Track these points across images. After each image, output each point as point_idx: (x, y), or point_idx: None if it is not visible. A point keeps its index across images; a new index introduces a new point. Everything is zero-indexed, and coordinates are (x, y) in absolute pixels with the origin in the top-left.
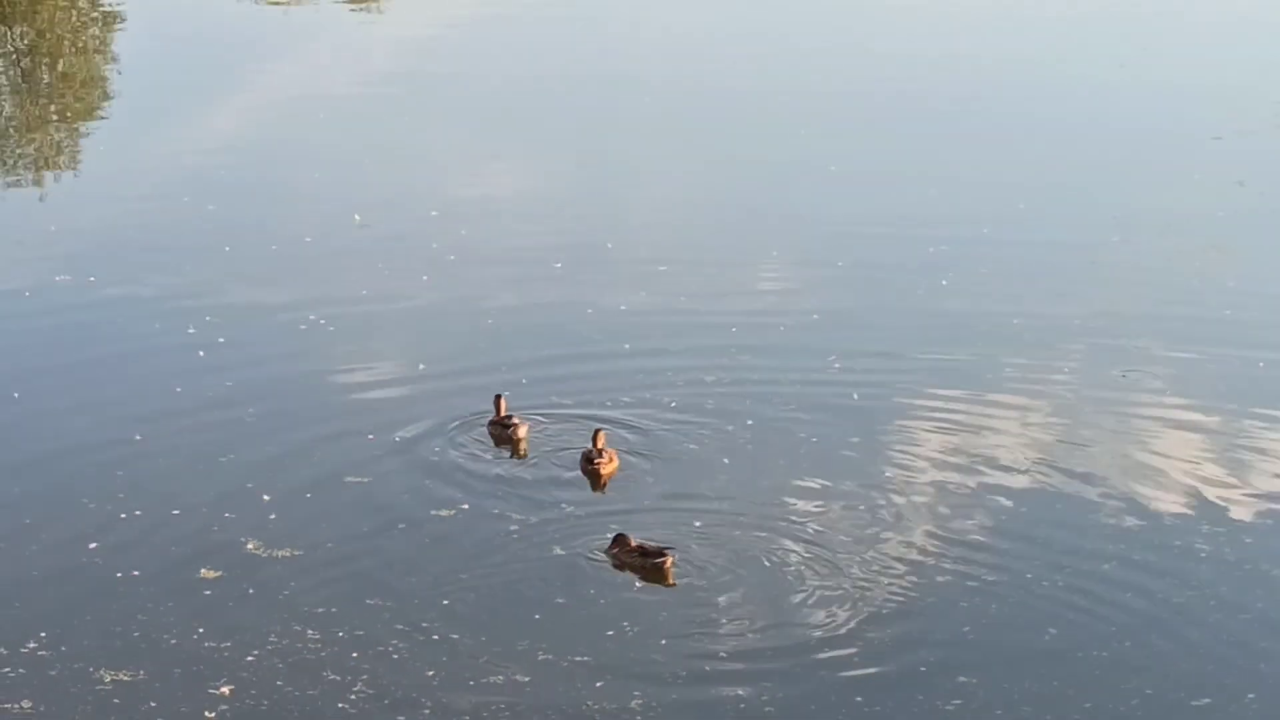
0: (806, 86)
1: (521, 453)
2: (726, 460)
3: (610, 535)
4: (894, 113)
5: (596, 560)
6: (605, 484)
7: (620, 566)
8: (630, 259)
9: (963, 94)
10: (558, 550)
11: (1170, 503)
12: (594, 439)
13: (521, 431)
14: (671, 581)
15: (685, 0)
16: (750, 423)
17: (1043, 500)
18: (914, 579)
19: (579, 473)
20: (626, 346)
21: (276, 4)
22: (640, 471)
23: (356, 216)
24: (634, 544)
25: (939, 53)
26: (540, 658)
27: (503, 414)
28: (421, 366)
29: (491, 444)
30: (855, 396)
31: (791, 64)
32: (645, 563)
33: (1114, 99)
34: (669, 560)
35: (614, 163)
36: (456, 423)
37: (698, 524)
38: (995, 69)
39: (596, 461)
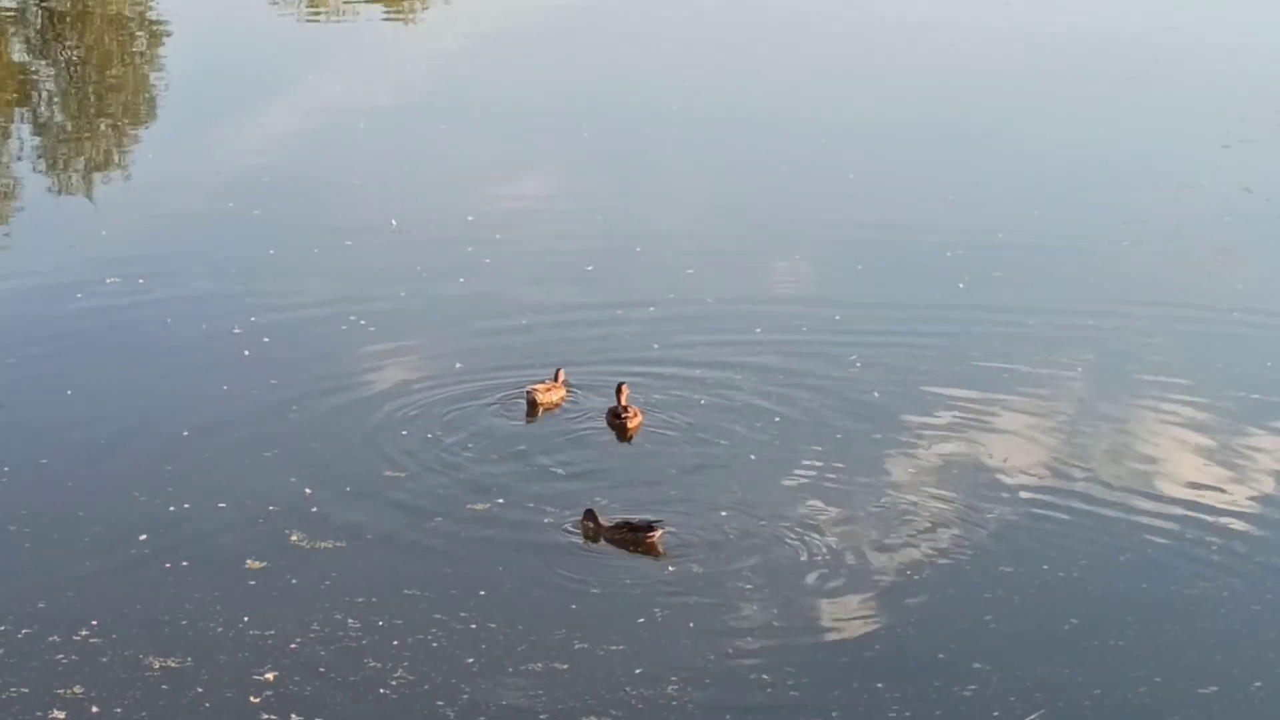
0: (827, 97)
1: (629, 437)
2: (753, 456)
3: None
4: (911, 122)
5: (631, 550)
6: (632, 436)
7: (593, 540)
8: (658, 262)
9: (977, 105)
10: (595, 545)
11: (1182, 500)
12: (618, 393)
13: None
14: (661, 551)
15: (710, 15)
16: (777, 420)
17: (1059, 496)
18: (934, 570)
19: (610, 469)
20: (655, 346)
21: (315, 19)
22: (671, 466)
23: (393, 222)
24: (607, 520)
25: (954, 65)
26: (577, 646)
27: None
28: (458, 365)
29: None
30: (876, 395)
31: (813, 77)
32: (635, 537)
33: (1124, 109)
34: (658, 534)
35: (642, 170)
36: (492, 413)
37: (723, 513)
38: (1009, 81)
39: (624, 415)
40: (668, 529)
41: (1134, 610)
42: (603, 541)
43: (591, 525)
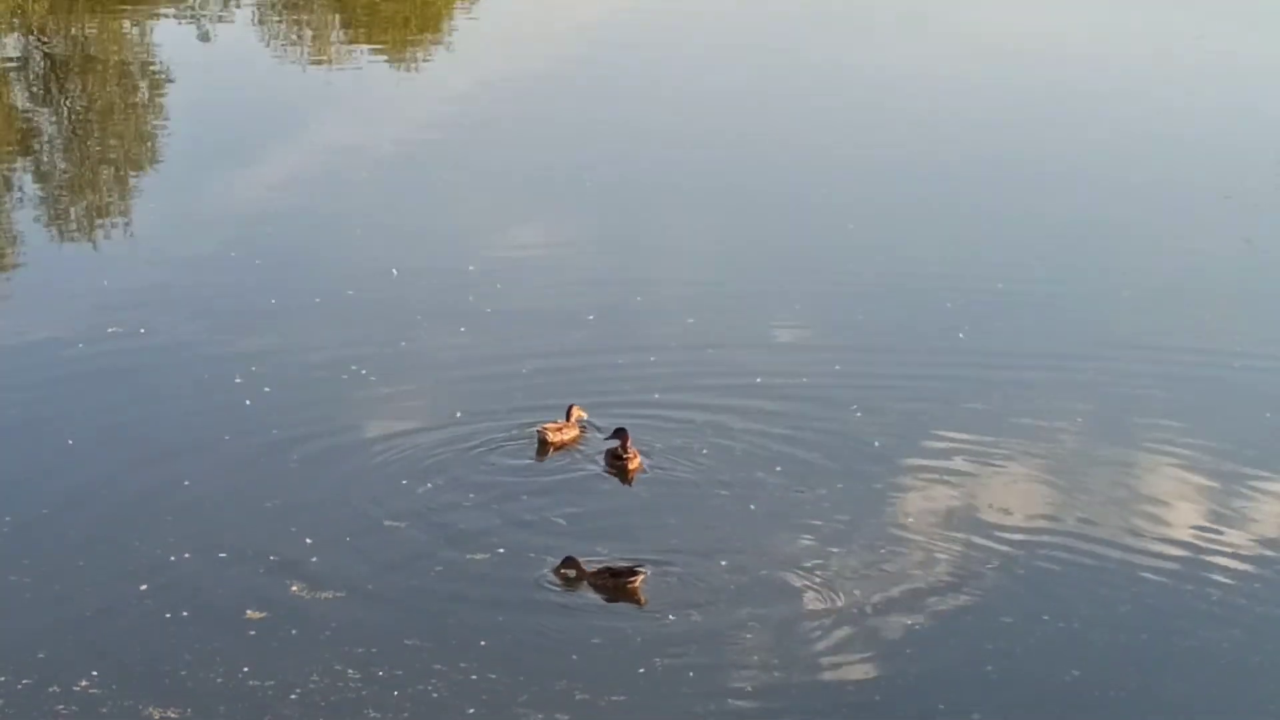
0: (828, 146)
1: (630, 479)
2: (753, 506)
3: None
4: (911, 170)
5: (613, 596)
6: (633, 479)
7: (572, 587)
8: (658, 312)
9: (978, 154)
10: (591, 592)
11: (1182, 550)
12: (620, 438)
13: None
14: (642, 600)
15: (712, 63)
16: (778, 469)
17: (1059, 546)
18: (935, 620)
19: (611, 517)
20: (656, 396)
21: (317, 66)
22: (672, 514)
23: (394, 271)
24: (589, 565)
25: (955, 113)
26: (578, 697)
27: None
28: (458, 414)
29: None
30: (877, 444)
31: (814, 125)
32: (617, 583)
33: (1126, 159)
34: (639, 579)
35: (643, 220)
36: (492, 461)
37: (723, 562)
38: (1010, 130)
39: (625, 457)
40: (648, 574)
41: (1135, 662)
42: (585, 587)
43: (573, 572)
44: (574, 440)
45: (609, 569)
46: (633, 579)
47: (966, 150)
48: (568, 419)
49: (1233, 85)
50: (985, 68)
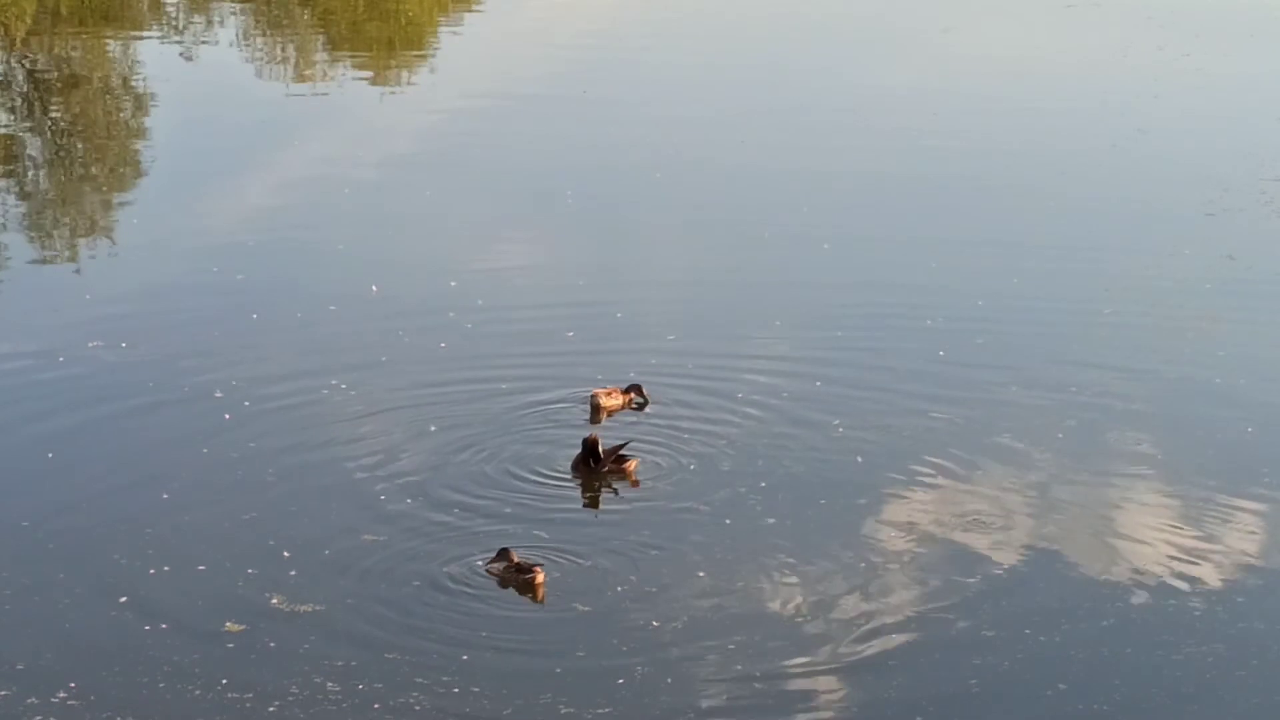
0: (808, 164)
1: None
2: (729, 521)
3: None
4: (891, 189)
5: (618, 612)
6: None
7: (504, 584)
8: (639, 328)
9: (958, 172)
10: (579, 606)
11: (1164, 566)
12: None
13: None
14: (541, 598)
15: (694, 83)
16: (763, 485)
17: (1041, 562)
18: (918, 636)
19: (591, 535)
20: (644, 412)
21: (301, 87)
22: (654, 530)
23: (374, 287)
24: (515, 560)
25: (935, 132)
26: (563, 711)
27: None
28: (432, 428)
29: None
30: (859, 459)
31: (794, 144)
32: (518, 578)
33: (1107, 176)
34: (539, 576)
35: (625, 236)
36: (473, 476)
37: (700, 574)
38: (989, 148)
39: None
40: (547, 573)
41: (1120, 675)
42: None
43: (501, 565)
44: (625, 406)
45: (518, 564)
46: (531, 574)
47: (945, 168)
48: (625, 391)
49: (1211, 101)
50: (966, 86)
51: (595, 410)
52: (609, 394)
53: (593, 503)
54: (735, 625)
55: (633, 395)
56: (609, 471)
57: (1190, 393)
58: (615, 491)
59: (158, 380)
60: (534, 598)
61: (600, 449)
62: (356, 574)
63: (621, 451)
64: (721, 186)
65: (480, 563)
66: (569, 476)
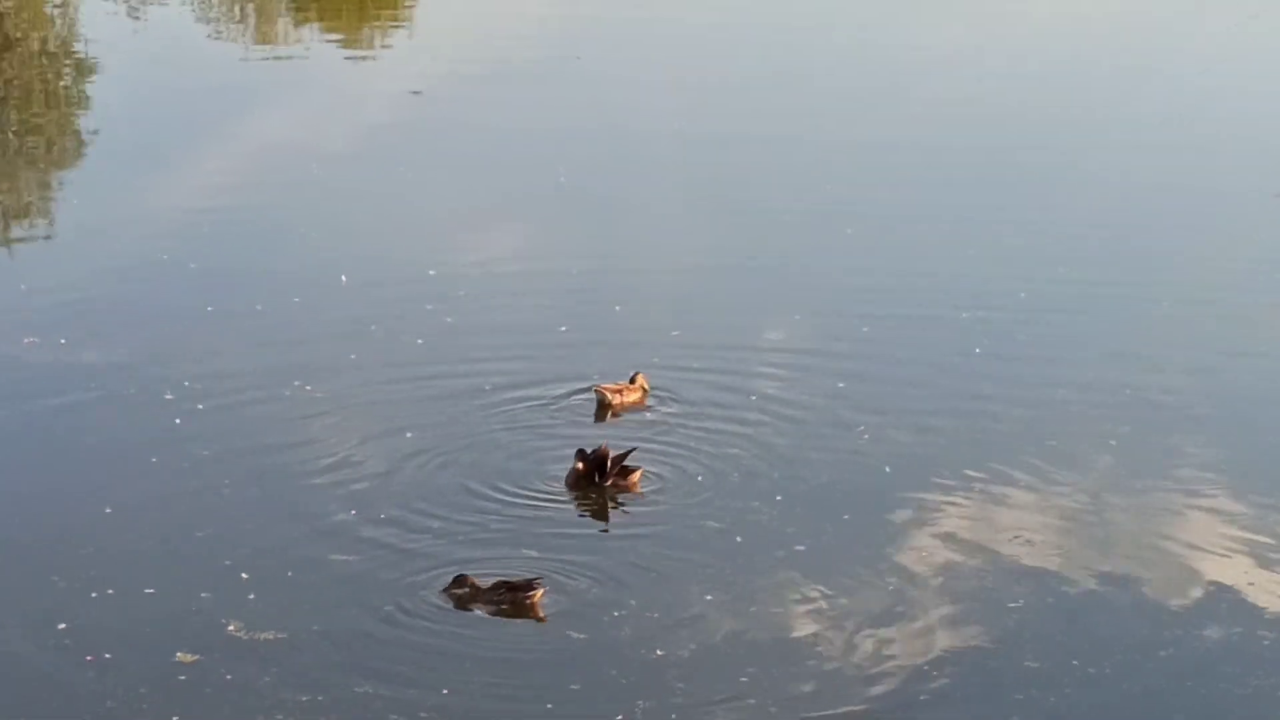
0: (829, 139)
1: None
2: (740, 539)
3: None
4: (923, 167)
5: (616, 642)
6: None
7: (465, 606)
8: (641, 324)
9: (998, 147)
10: (573, 634)
11: (1228, 589)
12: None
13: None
14: (541, 615)
15: (700, 48)
16: (779, 498)
17: (1090, 583)
18: (952, 667)
19: (586, 550)
20: (644, 416)
21: (263, 52)
22: (658, 547)
23: (343, 277)
24: (482, 583)
25: (974, 103)
26: None
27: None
28: (409, 435)
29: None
30: (887, 469)
31: (814, 116)
32: (515, 598)
33: (1165, 152)
34: (538, 594)
35: (624, 218)
36: (453, 488)
37: (708, 598)
38: (1034, 122)
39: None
40: (547, 588)
41: (1181, 712)
42: (477, 608)
43: (464, 590)
44: (638, 403)
45: (506, 583)
46: (531, 594)
47: (988, 143)
48: (631, 383)
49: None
50: (1010, 46)
51: (602, 409)
52: (618, 390)
53: (588, 518)
54: (748, 657)
55: (641, 386)
56: (611, 485)
57: (1259, 393)
58: (620, 506)
59: (100, 380)
60: (533, 617)
61: (610, 461)
62: (323, 598)
63: (625, 462)
64: (733, 162)
65: (438, 590)
66: (561, 490)
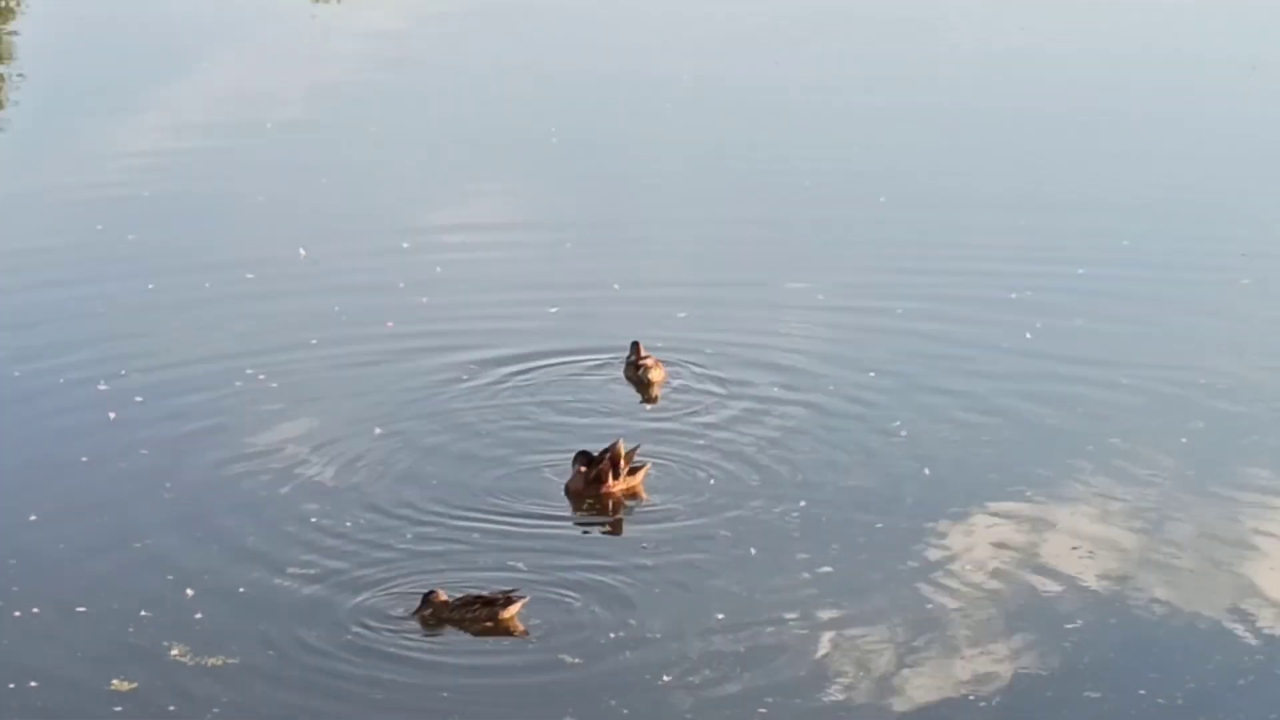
0: (858, 98)
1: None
2: (754, 550)
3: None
4: (965, 129)
5: (614, 665)
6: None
7: (437, 626)
8: (642, 301)
9: (1054, 106)
10: (566, 658)
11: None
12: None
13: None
14: (521, 630)
15: None
16: (802, 503)
17: (1158, 603)
18: (1003, 695)
19: (580, 564)
20: (647, 408)
21: None
22: (654, 559)
23: (302, 251)
24: (452, 599)
25: (1025, 58)
26: None
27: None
28: (378, 430)
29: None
30: (926, 472)
31: (840, 72)
32: (490, 613)
33: (1244, 117)
34: (515, 607)
35: (617, 183)
36: (430, 490)
37: (720, 616)
38: (1095, 80)
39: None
40: (527, 598)
41: None
42: (450, 628)
43: (430, 610)
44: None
45: (479, 597)
46: (507, 608)
47: (1041, 102)
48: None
49: None
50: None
51: (644, 386)
52: (658, 365)
53: (583, 526)
54: (765, 686)
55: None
56: (620, 489)
57: None
58: (629, 510)
59: (25, 369)
60: (514, 633)
61: (622, 461)
62: (278, 618)
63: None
64: (748, 122)
65: (403, 612)
66: (552, 494)
